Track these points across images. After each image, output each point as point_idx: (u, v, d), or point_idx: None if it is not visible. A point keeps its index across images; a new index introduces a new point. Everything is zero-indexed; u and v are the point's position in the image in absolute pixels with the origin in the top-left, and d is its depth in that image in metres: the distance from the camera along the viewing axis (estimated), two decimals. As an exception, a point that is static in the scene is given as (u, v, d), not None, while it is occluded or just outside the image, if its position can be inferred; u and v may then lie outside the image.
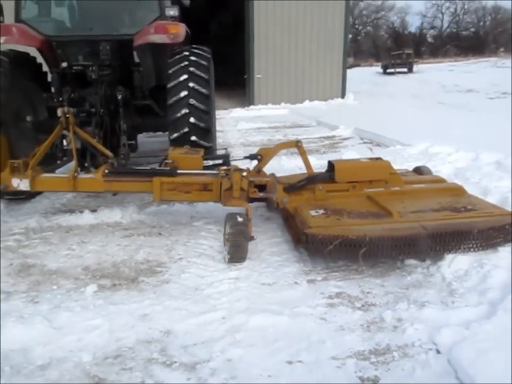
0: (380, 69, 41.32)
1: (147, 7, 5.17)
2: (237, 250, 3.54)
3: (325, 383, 2.33)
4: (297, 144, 4.39)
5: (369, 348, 2.59)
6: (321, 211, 3.85)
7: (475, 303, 2.95)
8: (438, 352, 2.51)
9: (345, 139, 9.54)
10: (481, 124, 10.01)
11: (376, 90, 23.23)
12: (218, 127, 11.58)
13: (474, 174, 5.62)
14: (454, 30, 72.03)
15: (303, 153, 4.42)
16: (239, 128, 11.64)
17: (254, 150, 6.12)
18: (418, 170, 5.07)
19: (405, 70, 37.79)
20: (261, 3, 14.46)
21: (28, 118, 5.45)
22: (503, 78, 23.39)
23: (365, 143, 9.04)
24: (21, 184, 4.16)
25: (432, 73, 35.07)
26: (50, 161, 4.92)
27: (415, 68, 39.04)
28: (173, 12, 4.92)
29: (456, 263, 3.45)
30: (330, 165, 4.32)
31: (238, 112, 14.39)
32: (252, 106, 15.38)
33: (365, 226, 3.55)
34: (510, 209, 3.98)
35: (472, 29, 71.71)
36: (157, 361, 2.51)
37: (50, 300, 3.19)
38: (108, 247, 4.10)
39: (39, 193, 5.54)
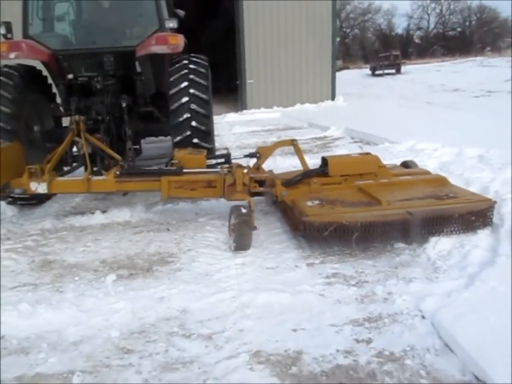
0: (368, 71, 41.95)
1: (147, 20, 5.52)
2: (242, 239, 3.90)
3: (327, 346, 2.67)
4: (292, 142, 4.76)
5: (363, 316, 2.95)
6: (317, 202, 4.22)
7: (456, 277, 3.31)
8: (423, 317, 2.87)
9: (336, 139, 9.94)
10: (466, 121, 10.46)
11: (365, 91, 23.71)
12: (214, 131, 11.98)
13: (458, 167, 6.00)
14: (441, 31, 73.09)
15: (298, 151, 4.79)
16: (234, 132, 12.00)
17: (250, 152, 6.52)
18: (405, 164, 5.46)
19: (393, 71, 38.41)
20: (251, 11, 14.89)
21: (36, 128, 5.77)
22: (488, 77, 24.03)
23: (355, 142, 9.43)
24: (38, 187, 4.48)
25: (419, 73, 35.69)
26: (60, 168, 5.26)
27: (403, 68, 39.67)
28: (172, 24, 5.28)
29: (440, 245, 3.83)
30: (324, 160, 4.70)
31: (232, 116, 14.76)
32: (245, 111, 15.77)
33: (357, 213, 3.92)
34: (489, 197, 4.37)
35: (459, 29, 72.83)
36: (177, 334, 2.86)
37: (74, 289, 3.52)
38: (120, 243, 4.43)
39: (49, 198, 5.87)
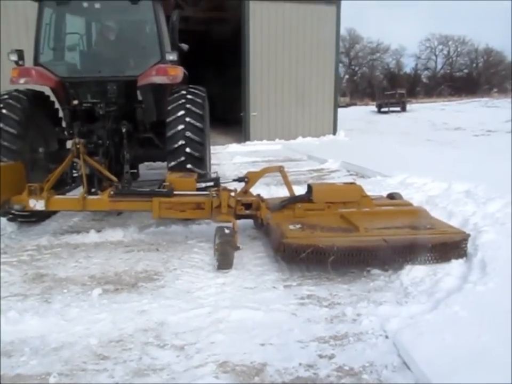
0: (375, 108, 42.66)
1: (150, 52, 5.89)
2: (224, 258, 4.09)
3: (291, 360, 2.82)
4: (279, 169, 5.01)
5: (329, 334, 3.11)
6: (298, 226, 4.42)
7: (424, 301, 3.48)
8: (386, 337, 3.02)
9: (332, 171, 10.19)
10: (462, 158, 10.71)
11: (368, 127, 24.15)
12: (215, 161, 12.27)
13: (443, 201, 6.18)
14: (448, 71, 74.44)
15: (285, 177, 5.03)
16: (234, 161, 12.32)
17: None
18: (390, 196, 5.67)
19: (398, 109, 39.06)
20: (256, 48, 15.48)
21: (40, 149, 6.06)
22: (490, 117, 24.40)
23: (350, 175, 9.67)
24: (37, 204, 4.74)
25: (424, 112, 36.28)
26: (59, 187, 5.52)
27: (408, 106, 40.35)
28: (172, 56, 5.63)
29: (414, 272, 4.01)
30: (309, 187, 4.92)
31: (234, 147, 15.13)
32: (247, 142, 16.15)
33: (334, 238, 4.12)
34: (466, 229, 4.55)
35: (466, 70, 74.16)
36: (152, 344, 3.02)
37: (62, 300, 3.71)
38: (111, 260, 4.64)
39: (48, 216, 6.12)
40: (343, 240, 4.06)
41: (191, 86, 6.00)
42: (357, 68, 73.71)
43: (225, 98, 20.56)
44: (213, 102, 22.07)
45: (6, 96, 5.55)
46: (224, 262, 4.10)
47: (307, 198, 4.86)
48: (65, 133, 6.20)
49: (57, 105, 6.39)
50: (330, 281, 4.02)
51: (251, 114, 16.13)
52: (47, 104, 6.26)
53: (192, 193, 4.80)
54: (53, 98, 6.34)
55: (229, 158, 12.89)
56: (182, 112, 5.49)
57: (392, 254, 4.02)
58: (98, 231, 5.46)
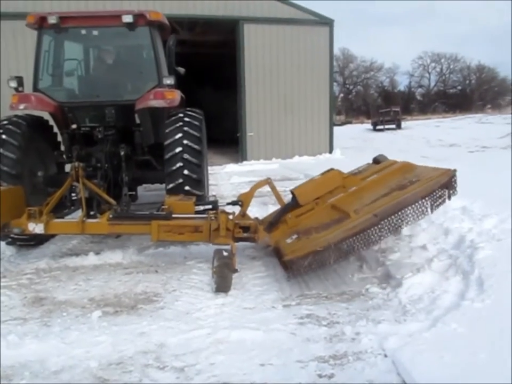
0: (370, 126, 43.01)
1: (147, 77, 6.01)
2: (222, 281, 4.12)
3: (291, 380, 2.84)
4: (267, 181, 5.08)
5: (329, 354, 3.13)
6: (295, 236, 4.45)
7: (422, 319, 3.50)
8: (385, 356, 3.04)
9: (330, 190, 10.24)
10: (457, 174, 10.77)
11: (364, 145, 24.36)
12: (212, 181, 12.35)
13: (440, 217, 6.21)
14: (442, 88, 75.32)
15: (273, 188, 5.10)
16: (232, 182, 12.39)
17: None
18: (376, 161, 5.61)
19: (394, 126, 39.38)
20: (252, 70, 15.74)
21: (39, 173, 6.12)
22: (485, 133, 24.67)
23: (348, 193, 9.71)
24: (36, 228, 4.77)
25: (419, 129, 36.62)
26: (58, 210, 5.56)
27: (403, 124, 40.69)
28: (169, 81, 5.74)
29: (412, 290, 4.03)
30: (292, 193, 4.95)
31: (232, 167, 15.22)
32: (244, 162, 16.27)
33: (329, 235, 4.07)
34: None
35: (459, 87, 75.05)
36: (152, 366, 3.03)
37: (61, 323, 3.72)
38: (110, 282, 4.65)
39: (47, 239, 6.14)
40: (336, 234, 4.02)
41: (188, 108, 6.10)
42: (351, 87, 74.56)
43: (222, 119, 20.78)
44: (209, 122, 22.24)
45: (5, 122, 5.64)
46: (222, 284, 4.13)
47: (294, 204, 4.88)
48: (64, 156, 6.28)
49: (56, 129, 6.48)
50: (329, 300, 4.05)
51: (247, 135, 16.29)
52: (46, 128, 6.35)
53: (191, 216, 4.84)
54: (51, 122, 6.43)
55: (226, 178, 12.96)
56: (179, 135, 5.58)
57: (384, 224, 4.02)
58: (97, 253, 5.48)
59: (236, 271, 4.27)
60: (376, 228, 4.01)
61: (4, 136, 5.46)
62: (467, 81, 74.08)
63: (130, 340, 3.36)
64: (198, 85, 22.37)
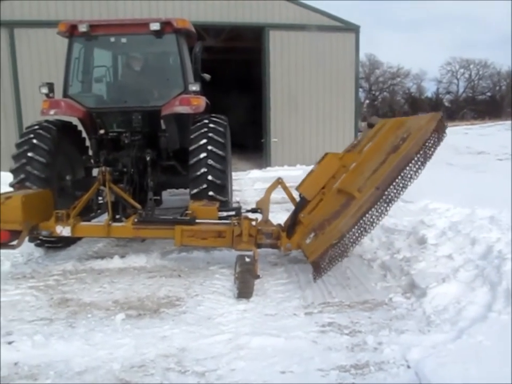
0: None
1: (173, 83, 6.11)
2: (244, 286, 4.13)
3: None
4: (278, 181, 5.05)
5: (350, 363, 3.09)
6: (312, 234, 4.41)
7: (446, 330, 3.43)
8: (408, 367, 2.99)
9: (354, 197, 10.15)
10: (485, 183, 10.53)
11: (390, 152, 24.03)
12: (236, 187, 12.39)
13: (467, 227, 6.08)
14: (470, 95, 73.76)
15: (285, 188, 5.05)
16: (255, 187, 12.41)
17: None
18: (370, 125, 5.54)
19: (421, 133, 38.66)
20: (277, 74, 15.77)
21: (68, 177, 6.27)
22: (515, 141, 23.95)
23: (372, 200, 9.60)
24: (63, 230, 4.89)
25: (446, 136, 35.83)
26: (86, 214, 5.69)
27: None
28: (195, 87, 5.82)
29: (437, 300, 3.95)
30: (298, 191, 4.89)
31: (256, 173, 15.24)
32: (268, 168, 16.25)
33: (340, 223, 3.99)
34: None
35: (488, 93, 73.34)
36: (174, 370, 3.06)
37: (86, 325, 3.79)
38: (134, 285, 4.72)
39: (73, 242, 6.27)
40: (347, 220, 3.95)
41: (213, 115, 6.17)
42: (377, 93, 73.71)
43: (247, 124, 20.85)
44: (235, 128, 22.25)
45: (36, 127, 5.81)
46: (244, 290, 4.14)
47: (303, 201, 4.84)
48: (92, 161, 6.42)
49: (84, 134, 6.63)
50: (352, 308, 4.01)
51: (272, 140, 16.29)
52: (75, 133, 6.51)
53: (214, 221, 4.88)
54: (80, 128, 6.59)
55: (250, 184, 13.00)
56: (204, 141, 5.63)
57: (390, 193, 3.93)
58: (122, 256, 5.57)
59: (258, 277, 4.27)
60: (381, 200, 3.91)
61: (34, 141, 5.63)
62: (497, 88, 72.35)
63: (153, 343, 3.40)
64: (224, 91, 22.53)
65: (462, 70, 72.06)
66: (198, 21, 14.40)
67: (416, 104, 67.49)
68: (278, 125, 16.19)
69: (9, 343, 3.43)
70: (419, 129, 4.06)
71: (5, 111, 13.74)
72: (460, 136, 35.24)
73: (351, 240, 3.93)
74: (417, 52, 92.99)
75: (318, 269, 4.03)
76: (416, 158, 3.93)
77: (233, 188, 11.90)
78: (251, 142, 19.77)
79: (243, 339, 3.40)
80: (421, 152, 3.92)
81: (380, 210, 3.96)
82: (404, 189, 4.00)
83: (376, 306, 4.02)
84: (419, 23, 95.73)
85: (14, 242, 4.74)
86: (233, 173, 14.92)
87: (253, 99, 18.73)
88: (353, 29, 16.21)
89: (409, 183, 4.00)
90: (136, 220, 4.89)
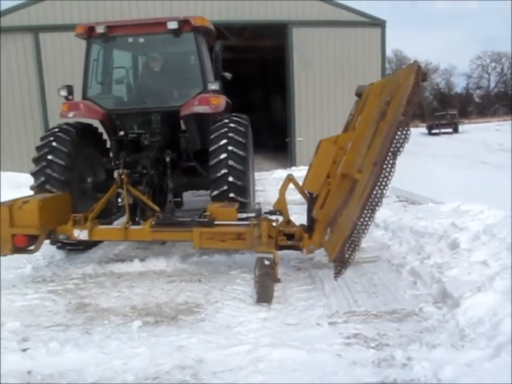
0: (425, 130, 41.54)
1: (192, 83, 5.98)
2: (263, 291, 3.95)
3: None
4: (288, 178, 4.86)
5: (377, 380, 2.87)
6: (329, 230, 4.21)
7: (482, 346, 3.15)
8: (441, 386, 2.75)
9: (381, 197, 9.84)
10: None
11: (418, 150, 23.35)
12: (260, 187, 12.24)
13: (502, 231, 5.73)
14: (502, 89, 71.49)
15: (296, 184, 4.85)
16: (279, 187, 12.20)
17: (292, 208, 6.60)
18: (358, 95, 5.23)
19: (450, 130, 37.80)
20: (301, 72, 15.52)
21: (89, 179, 6.23)
22: (551, 137, 23.02)
23: (400, 201, 9.31)
24: (81, 234, 4.83)
25: (477, 133, 34.91)
26: (106, 216, 5.62)
27: (460, 127, 38.97)
28: (214, 86, 5.67)
29: (472, 311, 3.67)
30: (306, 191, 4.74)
31: (280, 173, 15.00)
32: (293, 168, 16.02)
33: (350, 212, 3.78)
34: None
35: (522, 88, 70.95)
36: (189, 382, 2.91)
37: (102, 331, 3.69)
38: (153, 290, 4.61)
39: (95, 244, 6.23)
40: (355, 208, 3.72)
41: (233, 114, 6.01)
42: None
43: (272, 123, 20.68)
44: (260, 127, 22.18)
45: (56, 129, 5.78)
46: (263, 295, 3.96)
47: (312, 198, 4.64)
48: (112, 163, 6.35)
49: (105, 136, 6.59)
50: (379, 318, 3.77)
51: (297, 140, 16.08)
52: (95, 135, 6.47)
53: (233, 223, 4.72)
54: (101, 130, 6.55)
55: (274, 184, 12.79)
56: (224, 141, 5.48)
57: (388, 164, 3.66)
58: (142, 260, 5.48)
59: (278, 280, 4.09)
60: (382, 174, 3.66)
61: (54, 143, 5.59)
62: (531, 82, 69.91)
63: (168, 353, 3.26)
64: (247, 90, 22.44)
65: (493, 64, 70.05)
66: (220, 20, 14.36)
67: (445, 100, 65.91)
68: (303, 123, 15.95)
69: (24, 350, 3.37)
70: (399, 88, 3.78)
71: (32, 114, 13.98)
72: (492, 132, 34.28)
73: (364, 226, 3.72)
74: (446, 46, 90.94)
75: (340, 266, 3.83)
76: (404, 119, 3.64)
77: (257, 188, 11.78)
78: (277, 141, 19.56)
79: (262, 351, 3.22)
80: (407, 109, 3.62)
81: (382, 186, 3.70)
82: (398, 153, 3.70)
83: (405, 317, 3.77)
84: (448, 16, 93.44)
85: (32, 247, 4.69)
86: (257, 173, 14.83)
87: (278, 97, 18.54)
88: (379, 23, 15.81)
89: (403, 146, 3.70)
90: (153, 223, 4.79)
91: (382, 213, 7.41)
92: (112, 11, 13.52)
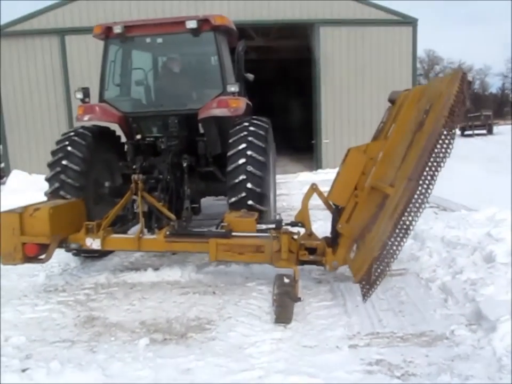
0: (458, 131, 40.28)
1: (211, 84, 5.75)
2: (282, 311, 3.67)
3: None
4: (312, 187, 4.52)
5: (402, 418, 2.55)
6: (355, 246, 3.88)
7: (525, 380, 2.79)
8: (477, 429, 2.41)
9: (410, 203, 9.38)
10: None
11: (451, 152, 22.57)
12: (284, 190, 11.92)
13: (545, 242, 5.30)
14: (540, 89, 68.79)
15: (320, 194, 4.51)
16: (304, 191, 11.83)
17: (316, 213, 6.29)
18: (391, 101, 4.84)
19: (484, 131, 36.50)
20: (328, 72, 15.12)
21: (106, 184, 6.06)
22: None
23: (431, 207, 8.83)
24: (93, 243, 4.65)
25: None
26: (123, 223, 5.45)
27: (495, 129, 37.61)
28: (233, 88, 5.41)
29: (510, 337, 3.29)
30: (331, 202, 4.40)
31: (306, 175, 14.67)
32: (319, 170, 15.64)
33: (380, 230, 3.44)
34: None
35: (561, 88, 68.09)
36: (192, 415, 2.66)
37: (107, 350, 3.49)
38: (164, 303, 4.39)
39: (110, 251, 6.07)
40: (385, 226, 3.37)
41: (254, 117, 5.74)
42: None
43: (299, 125, 20.30)
44: (287, 129, 21.82)
45: (72, 133, 5.65)
46: (282, 315, 3.68)
47: (338, 211, 4.30)
48: (130, 167, 6.17)
49: (124, 139, 6.42)
50: (405, 342, 3.43)
51: (323, 142, 15.67)
52: (113, 139, 6.32)
53: (252, 234, 4.45)
54: (119, 132, 6.40)
55: (298, 188, 12.46)
56: (243, 145, 5.22)
57: (426, 179, 3.29)
58: (156, 269, 5.28)
59: (298, 299, 3.80)
60: (418, 191, 3.30)
61: (69, 148, 5.46)
62: None
63: (174, 378, 3.03)
64: (275, 90, 22.16)
65: (531, 63, 67.34)
66: (246, 20, 14.14)
67: (479, 100, 63.91)
68: (330, 125, 15.55)
69: (24, 370, 3.20)
70: (441, 96, 3.40)
71: (57, 116, 14.11)
72: (529, 134, 32.80)
73: (395, 247, 3.36)
74: (481, 45, 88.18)
75: (366, 288, 3.50)
76: (445, 131, 3.27)
77: (281, 191, 11.46)
78: (303, 143, 19.17)
79: (275, 378, 2.95)
80: (448, 121, 3.25)
81: (418, 204, 3.34)
82: (438, 169, 3.33)
83: (434, 341, 3.42)
84: (482, 14, 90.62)
85: (43, 256, 4.54)
86: (281, 175, 14.54)
87: (305, 98, 18.15)
88: (410, 22, 15.25)
89: (443, 163, 3.33)
90: (168, 233, 4.56)
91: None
92: (137, 12, 13.49)
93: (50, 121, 14.23)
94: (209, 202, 8.26)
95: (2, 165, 15.42)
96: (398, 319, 3.83)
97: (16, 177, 13.90)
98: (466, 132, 37.52)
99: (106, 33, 5.76)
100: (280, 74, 22.18)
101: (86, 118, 5.59)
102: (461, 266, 4.77)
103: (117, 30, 5.57)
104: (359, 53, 15.16)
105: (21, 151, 14.46)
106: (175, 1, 13.22)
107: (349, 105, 15.42)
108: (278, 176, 14.05)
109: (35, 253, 4.46)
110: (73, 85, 13.69)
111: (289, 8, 14.47)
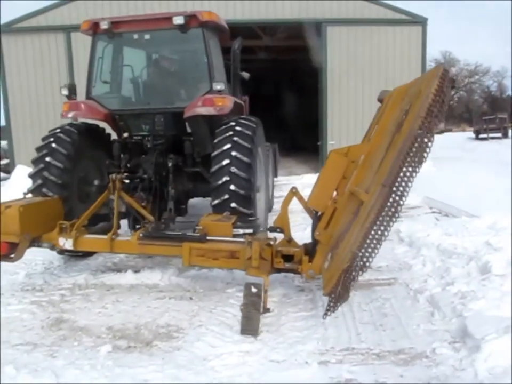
0: (472, 134, 39.60)
1: (199, 82, 5.58)
2: (247, 322, 3.48)
3: None
4: (292, 191, 4.33)
5: None
6: (329, 256, 3.71)
7: (504, 408, 2.56)
8: None
9: (412, 208, 9.08)
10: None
11: (462, 155, 22.09)
12: (285, 193, 11.65)
13: (545, 253, 5.02)
14: (559, 93, 67.28)
15: (300, 199, 4.32)
16: (305, 194, 11.63)
17: (305, 216, 6.07)
18: (379, 100, 4.63)
19: (499, 135, 35.77)
20: (334, 73, 14.83)
21: (96, 182, 5.93)
22: None
23: (433, 212, 8.57)
24: (66, 243, 4.51)
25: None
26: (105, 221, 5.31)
27: (510, 132, 36.81)
28: (219, 86, 5.22)
29: (495, 358, 3.03)
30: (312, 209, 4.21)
31: (309, 178, 14.39)
32: (325, 172, 15.41)
33: (350, 240, 3.25)
34: None
35: None
36: (137, 433, 2.48)
37: (67, 356, 3.36)
38: (137, 308, 4.24)
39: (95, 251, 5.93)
40: (356, 235, 3.17)
41: (242, 116, 5.55)
42: (453, 92, 69.45)
43: (306, 126, 20.01)
44: (293, 130, 21.49)
45: (58, 130, 5.53)
46: (247, 327, 3.49)
47: (318, 217, 4.09)
48: (117, 166, 6.04)
49: (114, 137, 6.28)
50: (381, 360, 3.20)
51: (329, 143, 15.39)
52: (101, 137, 6.17)
53: (227, 239, 4.25)
54: (109, 130, 6.26)
55: (300, 190, 12.24)
56: (228, 146, 5.04)
57: (400, 185, 3.12)
58: (137, 271, 5.14)
59: (266, 311, 3.60)
60: (391, 197, 3.10)
61: (53, 145, 5.34)
62: None
63: (128, 390, 2.86)
64: (281, 91, 21.93)
65: (550, 67, 66.00)
66: (253, 19, 13.96)
67: (496, 103, 62.75)
68: (336, 126, 15.26)
69: (-24, 374, 3.05)
70: (420, 95, 3.19)
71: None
72: (546, 139, 32.01)
73: (366, 257, 3.18)
74: (498, 47, 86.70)
75: (333, 303, 3.30)
76: (421, 133, 3.07)
77: (282, 193, 11.22)
78: (310, 144, 18.91)
79: (234, 395, 2.76)
80: (425, 122, 3.04)
81: (391, 213, 3.14)
82: (414, 173, 3.15)
83: (413, 359, 3.18)
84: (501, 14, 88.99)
85: (13, 255, 4.41)
86: (286, 177, 14.32)
87: (313, 99, 17.89)
88: (419, 21, 14.87)
89: (418, 168, 3.15)
90: (141, 235, 4.40)
91: (409, 226, 6.74)
92: (143, 9, 13.38)
93: (55, 117, 14.13)
94: (204, 203, 8.09)
95: (8, 160, 15.47)
96: (377, 333, 3.60)
97: (20, 172, 13.95)
98: (481, 135, 36.85)
99: (94, 29, 5.62)
100: (288, 74, 21.92)
101: (70, 114, 5.49)
102: (454, 277, 4.53)
103: (104, 25, 5.44)
104: (367, 53, 14.84)
105: (26, 147, 14.44)
106: (180, 1, 13.06)
107: (356, 107, 15.11)
108: (281, 178, 13.97)
109: (5, 252, 4.35)
110: (79, 82, 13.67)
111: (296, 7, 14.22)
